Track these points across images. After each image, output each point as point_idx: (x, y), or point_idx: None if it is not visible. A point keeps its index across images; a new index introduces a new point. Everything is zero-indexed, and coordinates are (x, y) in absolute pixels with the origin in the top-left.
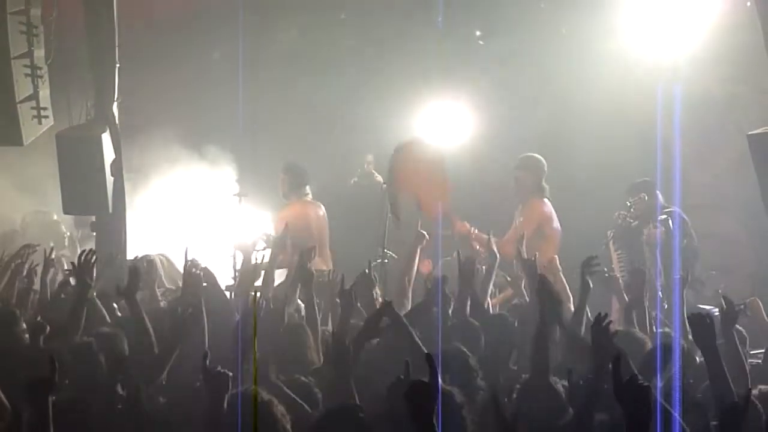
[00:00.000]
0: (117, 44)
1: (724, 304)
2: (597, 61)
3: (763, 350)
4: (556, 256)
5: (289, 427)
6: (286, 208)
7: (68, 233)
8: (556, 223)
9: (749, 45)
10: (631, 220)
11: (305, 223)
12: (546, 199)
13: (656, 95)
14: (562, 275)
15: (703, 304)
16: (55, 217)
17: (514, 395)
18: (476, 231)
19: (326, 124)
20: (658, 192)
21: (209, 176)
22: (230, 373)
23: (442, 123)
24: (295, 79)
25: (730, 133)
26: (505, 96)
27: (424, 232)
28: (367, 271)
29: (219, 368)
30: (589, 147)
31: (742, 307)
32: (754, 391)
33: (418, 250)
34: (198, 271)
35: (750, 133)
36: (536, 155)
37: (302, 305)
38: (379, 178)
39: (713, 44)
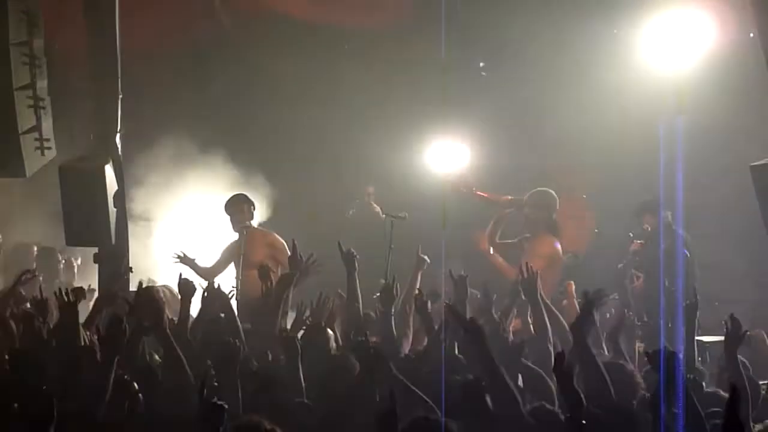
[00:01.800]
0: (120, 75)
1: (729, 324)
2: (599, 91)
3: (766, 382)
4: (572, 282)
5: None
6: (268, 235)
7: (63, 260)
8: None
9: (751, 76)
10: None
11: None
12: (555, 237)
13: (658, 125)
14: (575, 301)
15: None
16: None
17: None
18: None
19: (327, 155)
20: (663, 213)
21: (209, 205)
22: (226, 406)
23: (444, 153)
24: (297, 110)
25: (731, 164)
26: (507, 125)
27: (425, 257)
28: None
29: (215, 400)
30: (591, 177)
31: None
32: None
33: (419, 275)
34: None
35: (753, 164)
36: (546, 190)
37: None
38: (378, 209)
39: (716, 75)
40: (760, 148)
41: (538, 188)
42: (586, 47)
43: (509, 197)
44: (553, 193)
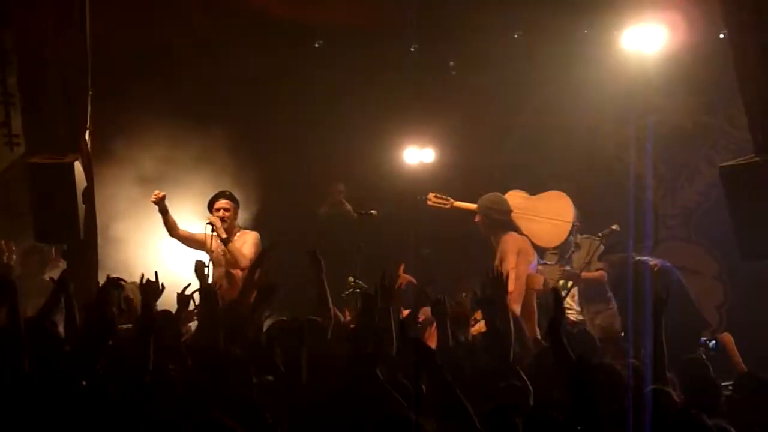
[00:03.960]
0: (90, 71)
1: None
2: (570, 91)
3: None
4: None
5: None
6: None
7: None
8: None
9: (720, 77)
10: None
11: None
12: (513, 232)
13: (629, 127)
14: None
15: None
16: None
17: None
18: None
19: (297, 154)
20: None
21: (182, 203)
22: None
23: (415, 152)
24: (267, 107)
25: (701, 166)
26: (478, 125)
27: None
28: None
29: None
30: (562, 176)
31: (713, 342)
32: None
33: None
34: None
35: (722, 164)
36: (487, 196)
37: None
38: (349, 207)
39: (685, 76)
40: (729, 148)
41: (483, 196)
42: (557, 47)
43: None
44: (497, 194)
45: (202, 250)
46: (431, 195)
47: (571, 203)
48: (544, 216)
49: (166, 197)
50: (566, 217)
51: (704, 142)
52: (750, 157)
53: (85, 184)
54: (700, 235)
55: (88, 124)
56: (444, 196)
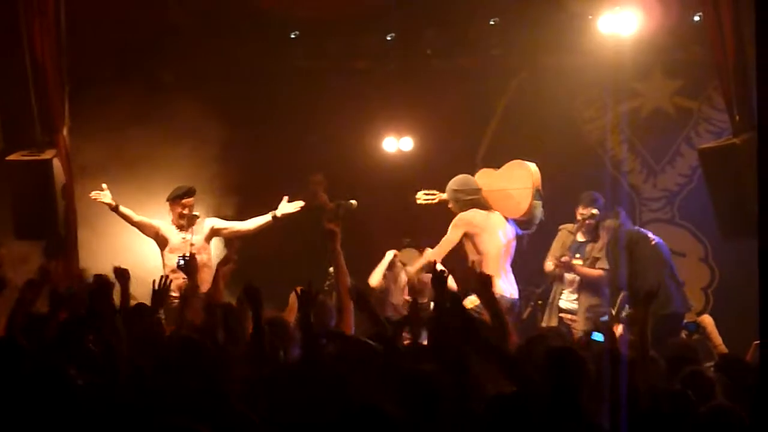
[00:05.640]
0: (65, 67)
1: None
2: (544, 76)
3: (712, 363)
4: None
5: None
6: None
7: None
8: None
9: (697, 59)
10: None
11: None
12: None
13: (607, 111)
14: None
15: None
16: None
17: None
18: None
19: (275, 144)
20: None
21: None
22: None
23: (392, 142)
24: (245, 99)
25: (682, 148)
26: (457, 112)
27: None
28: None
29: None
30: (544, 163)
31: (693, 324)
32: None
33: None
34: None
35: (700, 147)
36: (453, 179)
37: None
38: (326, 197)
39: (662, 59)
40: (709, 130)
41: (450, 181)
42: (535, 34)
43: None
44: (463, 175)
45: (155, 239)
46: (419, 194)
47: (529, 169)
48: (507, 187)
49: (108, 190)
50: (525, 183)
51: (685, 125)
52: (727, 138)
53: (64, 180)
54: (684, 218)
55: (66, 120)
56: (431, 192)
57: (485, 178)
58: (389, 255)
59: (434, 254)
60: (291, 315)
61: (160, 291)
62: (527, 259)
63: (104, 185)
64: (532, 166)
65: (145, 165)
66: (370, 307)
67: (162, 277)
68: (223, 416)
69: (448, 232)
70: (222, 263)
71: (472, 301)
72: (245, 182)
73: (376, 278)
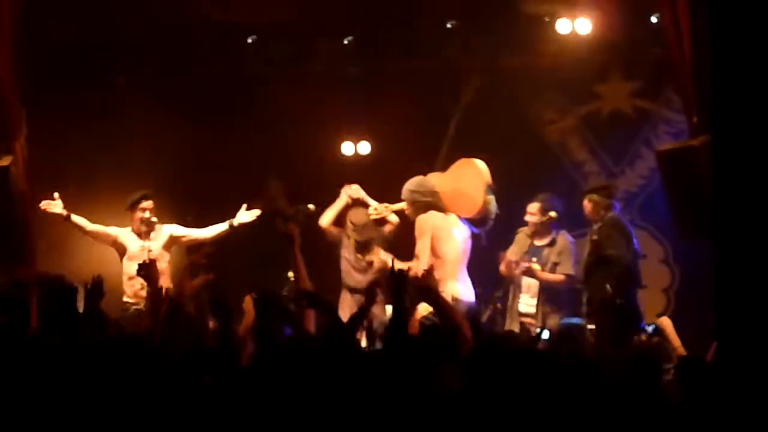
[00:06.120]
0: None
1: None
2: (505, 79)
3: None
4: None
5: None
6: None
7: None
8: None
9: (655, 61)
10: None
11: None
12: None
13: (568, 114)
14: None
15: None
16: None
17: None
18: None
19: (232, 149)
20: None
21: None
22: None
23: (350, 146)
24: (202, 104)
25: (641, 150)
26: (414, 115)
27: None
28: None
29: None
30: (502, 166)
31: (651, 326)
32: None
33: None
34: None
35: (658, 149)
36: (409, 181)
37: None
38: (284, 202)
39: (621, 61)
40: (669, 132)
41: (406, 183)
42: (491, 36)
43: None
44: (419, 177)
45: (113, 246)
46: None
47: (477, 166)
48: (458, 187)
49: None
50: (475, 181)
51: (644, 127)
52: (685, 140)
53: (21, 187)
54: (644, 219)
55: (23, 126)
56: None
57: (435, 181)
58: (344, 195)
59: (422, 265)
60: (248, 320)
61: (92, 291)
62: (483, 260)
63: (56, 194)
64: (480, 163)
65: (99, 172)
66: (329, 306)
67: (93, 277)
68: None
69: (418, 241)
70: (187, 269)
71: (425, 308)
72: (203, 188)
73: (326, 219)
